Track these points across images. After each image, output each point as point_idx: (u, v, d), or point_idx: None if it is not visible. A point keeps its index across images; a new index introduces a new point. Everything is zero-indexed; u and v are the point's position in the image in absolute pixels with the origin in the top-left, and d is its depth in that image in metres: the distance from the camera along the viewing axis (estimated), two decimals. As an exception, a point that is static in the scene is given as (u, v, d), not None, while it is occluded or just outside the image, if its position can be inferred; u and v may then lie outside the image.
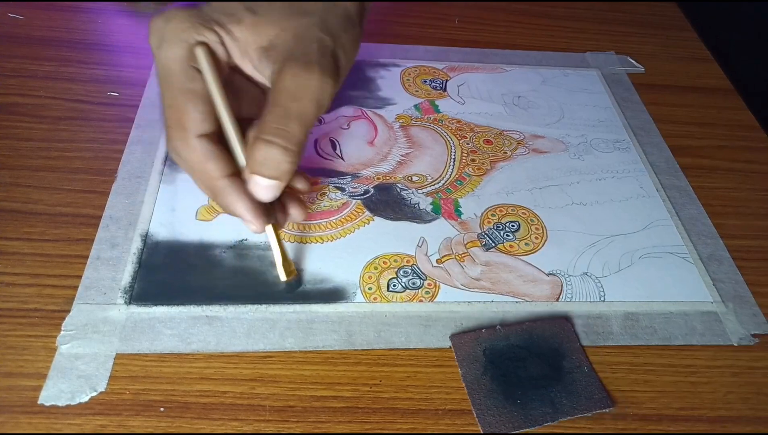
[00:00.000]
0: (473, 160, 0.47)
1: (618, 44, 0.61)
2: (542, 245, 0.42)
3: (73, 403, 0.31)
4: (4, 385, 0.32)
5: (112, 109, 0.46)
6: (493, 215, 0.43)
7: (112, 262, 0.37)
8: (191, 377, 0.33)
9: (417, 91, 0.53)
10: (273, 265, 0.37)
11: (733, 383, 0.36)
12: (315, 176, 0.44)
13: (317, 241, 0.40)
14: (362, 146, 0.47)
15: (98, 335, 0.34)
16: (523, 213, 0.44)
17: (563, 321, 0.37)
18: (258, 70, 0.33)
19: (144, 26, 0.54)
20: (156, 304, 0.35)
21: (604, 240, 0.43)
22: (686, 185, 0.48)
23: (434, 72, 0.55)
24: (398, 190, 0.44)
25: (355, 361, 0.35)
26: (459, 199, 0.44)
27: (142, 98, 0.47)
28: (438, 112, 0.51)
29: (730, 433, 0.34)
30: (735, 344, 0.38)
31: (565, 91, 0.55)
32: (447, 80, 0.54)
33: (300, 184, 0.36)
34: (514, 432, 0.32)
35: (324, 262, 0.39)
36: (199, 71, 0.31)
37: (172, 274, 0.37)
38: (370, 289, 0.38)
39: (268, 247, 0.39)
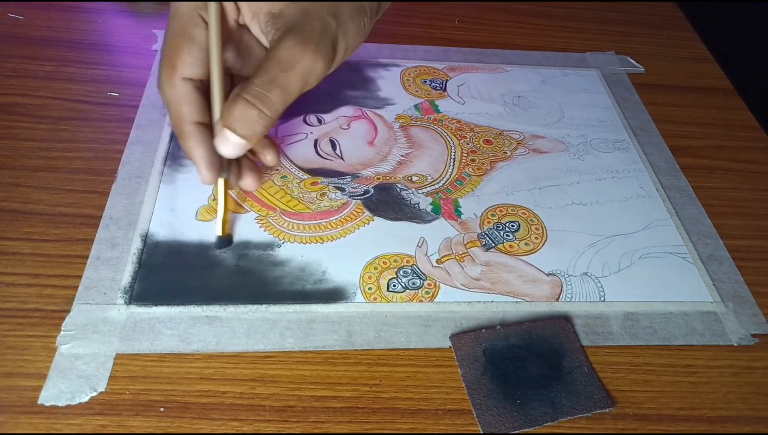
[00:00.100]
0: (473, 160, 0.47)
1: (618, 44, 0.61)
2: (542, 245, 0.42)
3: (73, 403, 0.31)
4: (4, 385, 0.32)
5: (112, 109, 0.46)
6: (493, 215, 0.43)
7: (112, 262, 0.37)
8: (191, 377, 0.33)
9: (417, 91, 0.53)
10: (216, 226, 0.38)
11: (733, 383, 0.36)
12: (315, 176, 0.44)
13: (317, 241, 0.40)
14: (362, 146, 0.47)
15: (98, 335, 0.34)
16: (523, 213, 0.44)
17: (563, 321, 0.37)
18: (264, 33, 0.34)
19: (144, 26, 0.54)
20: (156, 304, 0.35)
21: (604, 240, 0.43)
22: (686, 185, 0.48)
23: (434, 72, 0.55)
24: (398, 190, 0.44)
25: (355, 361, 0.35)
26: (459, 199, 0.44)
27: (142, 98, 0.47)
28: (438, 112, 0.51)
29: (730, 433, 0.34)
30: (735, 344, 0.38)
31: (565, 91, 0.55)
32: (447, 80, 0.54)
33: (269, 156, 0.38)
34: (514, 432, 0.32)
35: (324, 262, 0.39)
36: (205, 21, 0.33)
37: (172, 274, 0.37)
38: (370, 289, 0.38)
39: (266, 246, 0.39)
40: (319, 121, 0.48)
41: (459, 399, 0.34)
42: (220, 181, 0.37)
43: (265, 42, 0.35)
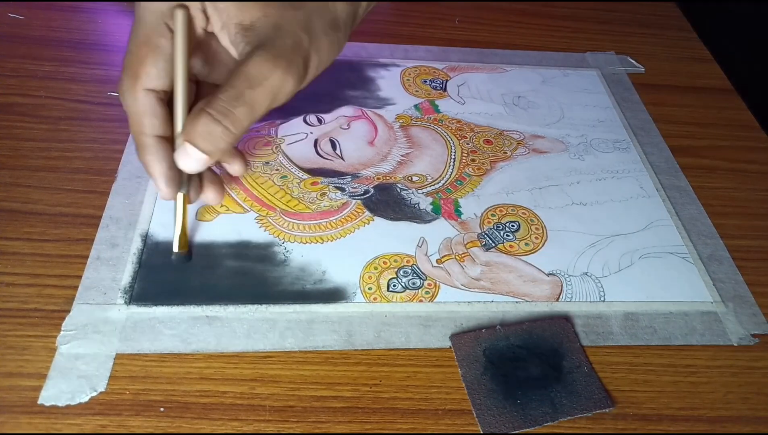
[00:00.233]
0: (473, 160, 0.47)
1: (618, 44, 0.61)
2: (542, 245, 0.42)
3: (73, 403, 0.31)
4: (4, 385, 0.32)
5: (112, 109, 0.46)
6: (493, 215, 0.43)
7: (112, 262, 0.37)
8: (191, 377, 0.33)
9: (417, 91, 0.53)
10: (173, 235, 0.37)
11: (733, 383, 0.36)
12: (315, 176, 0.44)
13: (317, 241, 0.40)
14: (362, 146, 0.47)
15: (98, 335, 0.34)
16: (523, 213, 0.44)
17: (563, 321, 0.37)
18: (233, 45, 0.33)
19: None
20: (156, 304, 0.35)
21: (604, 240, 0.43)
22: (686, 185, 0.48)
23: (434, 72, 0.55)
24: (398, 190, 0.44)
25: (355, 361, 0.35)
26: (459, 199, 0.44)
27: (142, 98, 0.47)
28: (438, 112, 0.51)
29: (730, 433, 0.34)
30: (735, 344, 0.38)
31: (565, 91, 0.55)
32: (447, 80, 0.54)
33: (236, 166, 0.37)
34: (514, 432, 0.32)
35: (324, 262, 0.39)
36: (171, 31, 0.31)
37: (172, 274, 0.37)
38: (370, 289, 0.38)
39: (266, 246, 0.39)
40: (319, 121, 0.48)
41: (459, 399, 0.34)
42: (179, 196, 0.35)
43: (233, 53, 0.33)
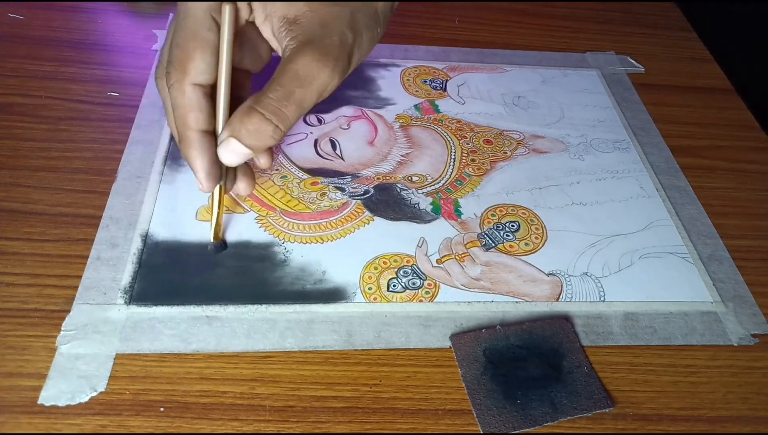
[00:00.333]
0: (473, 160, 0.47)
1: (618, 44, 0.61)
2: (542, 245, 0.42)
3: (73, 403, 0.31)
4: (4, 385, 0.32)
5: (112, 109, 0.46)
6: (493, 215, 0.43)
7: (112, 262, 0.37)
8: (191, 377, 0.33)
9: (417, 91, 0.53)
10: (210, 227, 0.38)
11: (733, 383, 0.36)
12: (315, 176, 0.44)
13: (317, 241, 0.40)
14: (362, 146, 0.47)
15: (98, 335, 0.34)
16: (523, 213, 0.44)
17: (563, 321, 0.37)
18: (275, 38, 0.33)
19: (144, 26, 0.54)
20: (156, 304, 0.35)
21: (604, 240, 0.43)
22: (686, 185, 0.48)
23: (434, 72, 0.55)
24: (398, 190, 0.44)
25: (355, 361, 0.35)
26: (459, 199, 0.44)
27: (142, 98, 0.47)
28: (438, 112, 0.51)
29: (730, 433, 0.34)
30: (735, 344, 0.38)
31: (565, 91, 0.55)
32: (447, 80, 0.54)
33: (263, 159, 0.37)
34: (514, 432, 0.32)
35: (324, 262, 0.39)
36: (217, 24, 0.32)
37: (172, 274, 0.37)
38: (370, 289, 0.38)
39: (266, 246, 0.39)
40: (319, 121, 0.48)
41: (459, 399, 0.34)
42: (216, 188, 0.36)
43: (275, 45, 0.34)
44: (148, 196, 0.41)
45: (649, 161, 0.49)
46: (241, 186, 0.38)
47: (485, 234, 0.42)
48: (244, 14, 0.33)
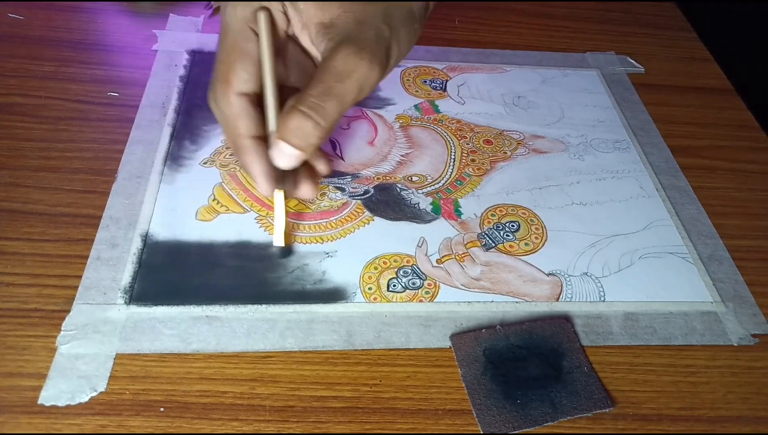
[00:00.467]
0: (473, 160, 0.47)
1: (618, 44, 0.61)
2: (542, 245, 0.42)
3: (73, 403, 0.31)
4: (4, 385, 0.32)
5: (112, 109, 0.46)
6: (493, 215, 0.43)
7: (112, 262, 0.37)
8: (191, 377, 0.33)
9: (417, 92, 0.53)
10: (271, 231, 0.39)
11: (733, 383, 0.36)
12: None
13: (317, 241, 0.40)
14: (362, 146, 0.47)
15: (98, 335, 0.34)
16: (523, 213, 0.44)
17: (563, 321, 0.37)
18: (314, 44, 0.34)
19: (144, 26, 0.54)
20: (156, 304, 0.35)
21: (604, 240, 0.43)
22: (686, 185, 0.48)
23: (434, 72, 0.55)
24: (398, 190, 0.44)
25: (355, 361, 0.35)
26: (459, 199, 0.44)
27: (142, 98, 0.47)
28: (438, 112, 0.51)
29: (730, 433, 0.34)
30: (735, 344, 0.38)
31: (565, 91, 0.55)
32: (447, 80, 0.54)
33: (321, 166, 0.37)
34: (514, 432, 0.32)
35: (324, 262, 0.39)
36: (256, 34, 0.32)
37: (172, 274, 0.37)
38: (370, 289, 0.38)
39: (266, 246, 0.39)
40: (319, 121, 0.48)
41: (459, 399, 0.34)
42: (279, 193, 0.36)
43: (314, 53, 0.35)
44: (148, 196, 0.41)
45: (649, 161, 0.49)
46: (304, 189, 0.37)
47: (485, 234, 0.42)
48: (282, 26, 0.34)
